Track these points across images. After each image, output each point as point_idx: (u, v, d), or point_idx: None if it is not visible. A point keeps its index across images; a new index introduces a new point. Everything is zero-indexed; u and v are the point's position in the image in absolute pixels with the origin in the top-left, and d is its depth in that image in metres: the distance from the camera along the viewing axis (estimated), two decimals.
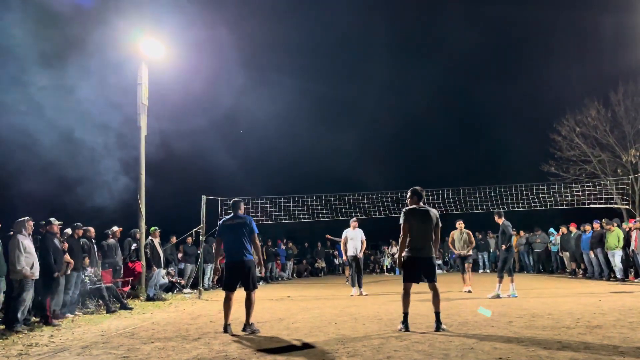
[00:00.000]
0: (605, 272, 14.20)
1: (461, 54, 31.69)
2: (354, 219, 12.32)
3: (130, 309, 9.83)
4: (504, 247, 10.36)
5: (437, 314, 6.23)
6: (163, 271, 12.94)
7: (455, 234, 12.32)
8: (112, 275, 11.28)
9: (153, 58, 13.12)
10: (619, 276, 13.64)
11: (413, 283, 6.43)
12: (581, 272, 15.77)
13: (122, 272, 11.84)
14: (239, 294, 6.77)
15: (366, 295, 11.40)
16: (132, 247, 12.31)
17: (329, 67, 32.61)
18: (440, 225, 6.54)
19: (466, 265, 12.12)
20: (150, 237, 12.27)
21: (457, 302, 9.30)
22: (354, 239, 11.94)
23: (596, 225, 14.54)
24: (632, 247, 12.93)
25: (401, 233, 6.47)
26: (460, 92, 31.22)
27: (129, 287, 11.76)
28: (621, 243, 13.52)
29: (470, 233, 12.36)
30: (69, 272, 8.94)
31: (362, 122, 32.58)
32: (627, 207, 14.51)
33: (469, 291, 11.28)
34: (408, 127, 32.65)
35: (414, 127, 32.77)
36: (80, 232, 9.80)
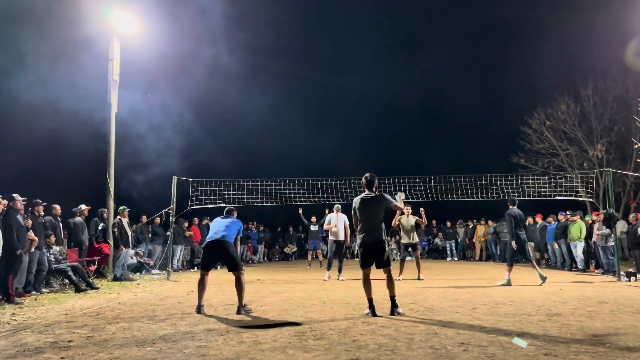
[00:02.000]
0: (567, 263, 14.66)
1: (437, 48, 32.11)
2: (338, 206, 12.38)
3: (97, 288, 9.69)
4: (511, 241, 10.44)
5: (392, 298, 6.36)
6: (131, 251, 12.77)
7: (402, 219, 11.83)
8: (78, 255, 11.07)
9: (125, 32, 12.77)
10: (580, 267, 14.09)
11: (370, 268, 6.51)
12: (544, 262, 16.25)
13: (87, 251, 11.64)
14: (218, 276, 6.74)
15: (343, 280, 11.46)
16: (99, 227, 12.09)
17: (310, 50, 32.38)
18: (390, 202, 6.59)
19: (416, 253, 11.92)
20: (118, 217, 12.07)
21: (424, 289, 9.47)
22: (337, 225, 12.00)
23: (561, 216, 14.97)
24: (594, 239, 13.36)
25: (354, 224, 6.70)
26: (435, 84, 31.44)
27: (95, 267, 11.57)
28: (583, 235, 13.95)
29: (419, 219, 11.86)
30: (32, 249, 8.73)
31: (341, 109, 32.61)
32: (591, 200, 14.93)
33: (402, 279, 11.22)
34: (384, 115, 32.92)
35: (390, 115, 33.08)
36: (41, 209, 9.55)
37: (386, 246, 6.53)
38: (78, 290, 9.26)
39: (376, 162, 28.43)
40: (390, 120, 33.38)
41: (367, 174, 6.73)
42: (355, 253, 22.95)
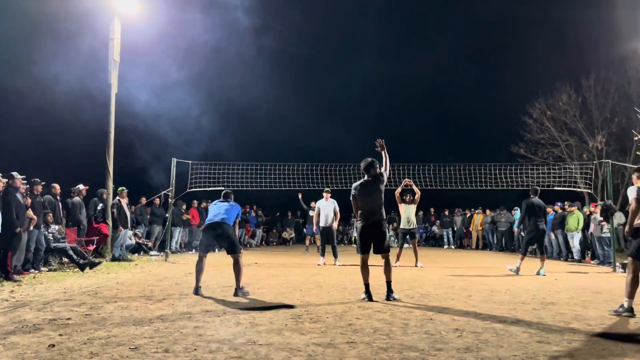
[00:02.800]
0: (564, 253, 14.75)
1: (441, 39, 31.96)
2: (327, 189, 12.37)
3: (99, 263, 9.76)
4: (517, 229, 10.34)
5: (389, 283, 6.40)
6: (130, 232, 12.82)
7: (402, 206, 11.82)
8: (77, 234, 11.11)
9: (126, 12, 12.66)
10: (576, 257, 14.18)
11: (368, 254, 6.53)
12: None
13: (86, 231, 11.67)
14: (216, 259, 6.79)
15: (340, 265, 11.50)
16: (98, 208, 12.11)
17: (316, 35, 32.09)
18: (385, 179, 6.62)
19: (414, 240, 11.93)
20: (117, 197, 12.09)
21: (421, 276, 9.53)
22: (326, 210, 12.01)
23: (558, 207, 15.02)
24: (591, 230, 13.42)
25: (353, 210, 6.70)
26: (438, 73, 31.31)
27: (94, 247, 11.62)
28: (581, 225, 14.02)
29: (414, 186, 11.72)
30: (31, 228, 8.76)
31: (344, 95, 32.48)
32: (590, 191, 14.96)
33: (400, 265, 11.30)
34: (387, 103, 32.84)
35: (393, 103, 33.01)
36: (39, 188, 9.55)
37: (387, 232, 6.55)
38: (82, 268, 9.29)
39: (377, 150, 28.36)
40: (392, 107, 33.37)
41: (367, 158, 6.71)
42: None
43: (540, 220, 10.44)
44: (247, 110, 27.24)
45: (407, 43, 34.89)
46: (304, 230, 23.86)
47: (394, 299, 6.27)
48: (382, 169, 6.73)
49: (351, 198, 6.67)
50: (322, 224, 11.99)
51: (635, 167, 6.19)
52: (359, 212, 6.59)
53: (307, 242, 17.89)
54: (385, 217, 6.59)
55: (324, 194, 12.24)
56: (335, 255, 11.91)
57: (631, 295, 5.52)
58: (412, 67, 31.91)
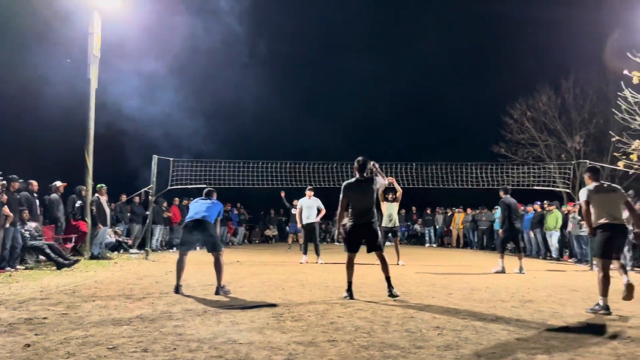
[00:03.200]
0: (543, 251, 14.98)
1: (424, 40, 32.29)
2: (310, 188, 12.35)
3: (77, 261, 9.59)
4: (500, 229, 10.48)
5: (388, 278, 6.36)
6: (109, 230, 12.64)
7: (385, 204, 11.89)
8: (54, 232, 10.92)
9: (106, 7, 12.46)
10: (554, 255, 14.42)
11: (355, 253, 6.51)
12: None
13: (63, 228, 11.47)
14: (197, 257, 6.73)
15: (323, 263, 11.50)
16: (77, 205, 11.91)
17: (300, 33, 32.03)
18: (381, 185, 6.65)
19: (395, 239, 12.00)
20: (96, 194, 11.91)
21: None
22: (309, 208, 11.99)
23: (537, 206, 15.24)
24: (569, 228, 13.65)
25: (339, 203, 6.55)
26: (421, 74, 31.53)
27: (72, 244, 11.44)
28: (559, 224, 14.25)
29: (395, 185, 11.58)
30: (7, 225, 8.58)
31: (328, 94, 32.49)
32: (568, 190, 15.24)
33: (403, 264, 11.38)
34: (369, 102, 32.95)
35: (375, 103, 33.12)
36: (17, 185, 9.36)
37: (378, 230, 6.52)
38: (60, 266, 9.12)
39: (359, 148, 28.30)
40: (375, 107, 33.45)
41: (360, 158, 6.61)
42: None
43: (516, 219, 10.59)
44: (230, 107, 27.04)
45: (391, 43, 35.14)
46: (287, 228, 23.88)
47: (395, 295, 6.23)
48: (381, 184, 6.72)
49: (341, 195, 6.52)
50: (304, 221, 11.97)
51: (587, 167, 6.34)
52: (350, 210, 6.50)
53: (290, 240, 17.87)
54: (376, 217, 6.54)
55: (307, 192, 12.22)
56: (317, 253, 11.91)
57: (605, 293, 5.63)
58: (396, 67, 32.16)
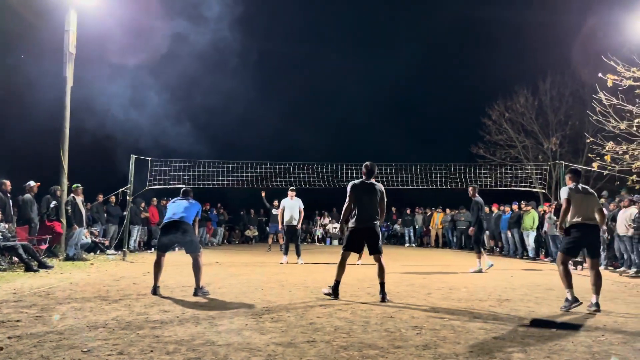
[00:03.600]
0: (520, 251, 15.21)
1: (403, 42, 32.58)
2: (292, 188, 12.29)
3: (50, 267, 9.38)
4: (471, 228, 10.56)
5: (382, 284, 6.35)
6: (85, 230, 12.42)
7: None
8: (28, 233, 10.67)
9: (83, 4, 12.24)
10: (531, 255, 14.65)
11: (351, 252, 6.52)
12: (498, 249, 16.81)
13: (37, 229, 11.23)
14: (176, 258, 6.65)
15: (303, 264, 11.46)
16: (51, 205, 11.67)
17: (280, 33, 31.96)
18: (385, 199, 6.66)
19: None
20: (72, 195, 11.68)
21: None
22: (291, 209, 11.94)
23: (515, 206, 15.48)
24: (545, 228, 13.88)
25: (346, 201, 6.56)
26: (400, 75, 31.76)
27: (46, 245, 11.20)
28: (536, 224, 14.49)
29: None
30: None
31: (308, 95, 32.47)
32: (544, 191, 15.50)
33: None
34: (347, 103, 33.06)
35: (355, 104, 33.27)
36: None
37: (380, 233, 6.54)
38: (28, 269, 8.93)
39: (339, 149, 28.55)
40: (354, 108, 33.56)
41: (367, 163, 6.74)
42: (316, 237, 23.11)
43: (484, 218, 10.77)
44: (208, 107, 26.82)
45: (370, 45, 35.31)
46: (267, 228, 23.78)
47: (388, 301, 6.21)
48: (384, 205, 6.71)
49: (348, 192, 6.54)
50: (287, 222, 11.93)
51: (569, 168, 6.50)
52: (354, 212, 6.48)
53: (270, 240, 17.79)
54: (377, 222, 6.55)
55: (289, 193, 12.16)
56: (298, 254, 11.90)
57: (569, 285, 5.78)
58: (375, 69, 32.37)
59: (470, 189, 10.81)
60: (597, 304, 5.69)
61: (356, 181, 6.70)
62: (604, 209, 6.29)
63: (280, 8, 29.27)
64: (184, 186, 7.64)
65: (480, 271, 10.21)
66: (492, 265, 10.48)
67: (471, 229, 10.59)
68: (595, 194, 6.36)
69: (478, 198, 10.62)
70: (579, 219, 5.92)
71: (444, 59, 32.58)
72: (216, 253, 15.30)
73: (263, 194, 15.86)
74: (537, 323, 4.95)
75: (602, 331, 4.70)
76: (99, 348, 3.80)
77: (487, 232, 17.30)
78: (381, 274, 6.41)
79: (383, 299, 6.23)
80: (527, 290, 7.56)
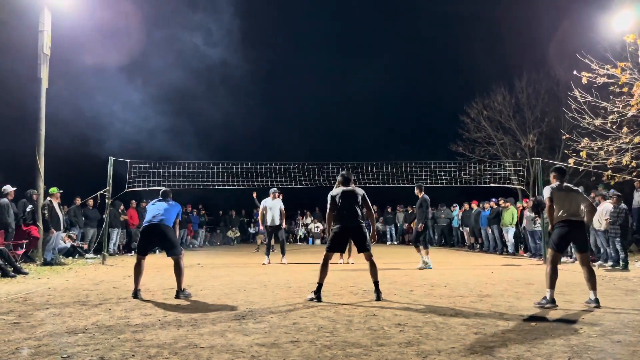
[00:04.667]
0: (499, 247, 15.42)
1: (381, 42, 32.76)
2: (274, 189, 12.23)
3: (25, 273, 9.18)
4: (420, 224, 10.63)
5: (376, 283, 6.37)
6: (63, 234, 12.19)
7: None
8: (4, 238, 10.44)
9: (57, 3, 12.01)
10: (510, 250, 14.87)
11: (334, 253, 6.50)
12: (478, 246, 17.02)
13: (13, 234, 10.99)
14: (157, 260, 6.57)
15: (286, 263, 11.44)
16: (27, 209, 11.43)
17: (257, 30, 31.80)
18: (367, 200, 6.68)
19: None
20: (49, 198, 11.46)
21: (364, 272, 9.64)
22: (272, 209, 11.89)
23: (493, 203, 15.70)
24: (524, 224, 14.10)
25: (328, 209, 6.61)
26: (380, 75, 31.88)
27: (23, 250, 10.97)
28: (515, 220, 14.71)
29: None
30: None
31: (289, 93, 32.38)
32: (522, 187, 15.74)
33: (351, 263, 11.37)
34: (328, 103, 33.10)
35: (334, 103, 33.32)
36: None
37: (366, 232, 6.53)
38: (4, 275, 8.73)
39: (320, 148, 28.50)
40: (334, 108, 33.60)
41: (343, 172, 6.88)
42: (298, 237, 23.09)
43: (430, 214, 10.97)
44: (187, 107, 26.61)
45: (349, 44, 35.43)
46: (249, 229, 23.67)
47: (383, 300, 6.22)
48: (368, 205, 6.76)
49: (329, 201, 6.58)
50: (269, 223, 11.88)
51: (554, 167, 6.57)
52: (337, 214, 6.50)
53: (259, 241, 17.78)
54: (364, 221, 6.58)
55: (271, 193, 12.09)
56: (283, 252, 11.90)
57: (552, 285, 5.82)
58: (354, 68, 32.42)
59: (416, 189, 10.93)
60: (596, 300, 5.73)
61: (334, 191, 6.73)
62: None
63: (261, 15, 29.21)
64: (163, 188, 7.53)
65: (428, 266, 10.37)
66: (430, 267, 10.44)
67: (420, 225, 10.65)
68: (581, 191, 6.38)
69: (424, 195, 10.75)
70: (564, 216, 6.00)
71: (421, 58, 32.80)
72: (198, 255, 15.17)
73: (254, 195, 15.76)
74: (530, 319, 4.99)
75: (580, 324, 4.79)
76: (78, 354, 3.74)
77: (467, 229, 17.61)
78: (374, 272, 6.43)
79: (378, 298, 6.23)
80: (508, 285, 7.67)
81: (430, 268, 10.37)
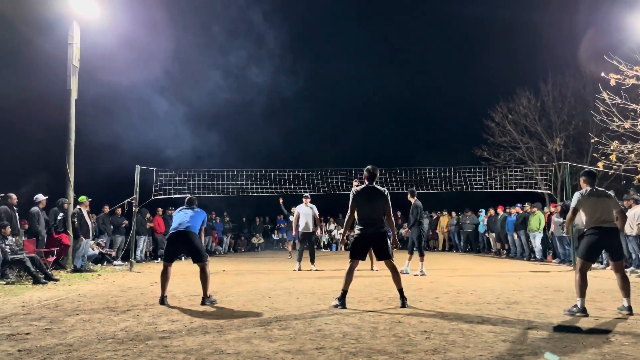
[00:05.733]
0: (527, 253, 15.14)
1: (408, 46, 32.71)
2: (307, 195, 12.26)
3: (56, 280, 9.41)
4: (406, 228, 10.52)
5: (400, 290, 6.26)
6: (92, 242, 12.46)
7: None
8: (35, 245, 10.72)
9: (86, 17, 12.35)
10: (538, 257, 14.58)
11: (358, 261, 6.40)
12: (505, 252, 16.73)
13: (45, 242, 11.28)
14: (182, 267, 6.67)
15: (316, 270, 11.41)
16: (59, 217, 11.73)
17: (285, 38, 32.13)
18: (389, 203, 6.49)
19: None
20: (78, 207, 11.74)
21: (388, 279, 9.57)
22: (306, 215, 11.90)
23: (519, 208, 15.44)
24: (552, 229, 13.82)
25: (348, 211, 6.50)
26: (404, 80, 31.83)
27: (54, 258, 11.25)
28: (542, 226, 14.43)
29: None
30: None
31: (309, 100, 32.55)
32: (550, 192, 15.43)
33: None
34: (351, 110, 33.17)
35: (357, 109, 33.35)
36: None
37: (388, 239, 6.42)
38: (36, 281, 8.97)
39: (343, 155, 28.53)
40: (358, 113, 33.62)
41: (369, 167, 6.61)
42: (322, 244, 23.08)
43: (422, 220, 10.79)
44: (212, 116, 26.95)
45: (372, 49, 35.42)
46: (273, 236, 23.77)
47: (408, 306, 6.14)
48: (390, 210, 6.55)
49: (350, 201, 6.46)
50: (302, 229, 11.89)
51: (584, 170, 6.41)
52: (358, 219, 6.39)
53: (290, 247, 17.90)
54: (385, 227, 6.41)
55: (304, 199, 12.13)
56: (312, 260, 11.80)
57: (582, 294, 5.65)
58: (378, 73, 32.38)
59: (408, 194, 10.80)
60: (629, 307, 5.58)
61: (358, 187, 6.61)
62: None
63: (284, 23, 29.52)
64: (188, 195, 7.64)
65: (424, 274, 10.21)
66: (424, 274, 10.24)
67: (407, 230, 10.54)
68: (613, 195, 6.18)
69: (416, 201, 10.60)
70: (594, 223, 5.80)
71: (444, 62, 32.60)
72: (223, 261, 15.31)
73: (281, 201, 15.81)
74: (560, 329, 4.85)
75: (612, 332, 4.67)
76: (108, 359, 3.81)
77: (492, 235, 17.32)
78: (397, 279, 6.31)
79: (403, 305, 6.14)
80: (536, 292, 7.52)
81: (407, 273, 10.28)
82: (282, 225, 22.16)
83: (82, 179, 12.83)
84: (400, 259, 12.18)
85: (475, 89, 28.05)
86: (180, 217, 6.88)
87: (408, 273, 10.28)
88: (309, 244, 11.98)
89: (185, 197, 7.40)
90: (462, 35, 31.76)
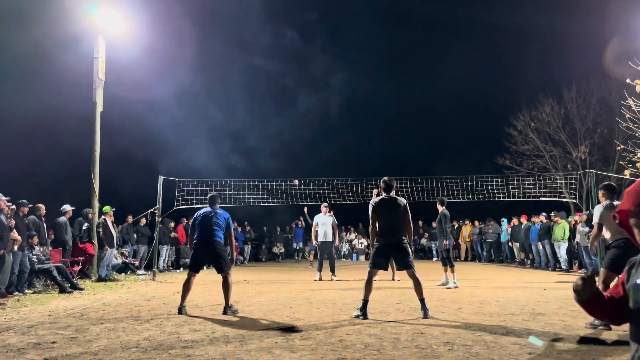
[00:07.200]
0: (552, 263, 14.84)
1: (428, 54, 32.66)
2: (325, 204, 12.25)
3: (81, 289, 9.57)
4: (445, 241, 10.16)
5: (422, 301, 6.20)
6: (116, 251, 12.65)
7: None
8: (62, 255, 10.94)
9: (111, 31, 12.66)
10: (563, 267, 14.28)
11: (379, 270, 6.42)
12: (529, 262, 16.44)
13: (71, 251, 11.50)
14: (204, 277, 6.73)
15: (337, 280, 11.38)
16: (84, 227, 11.96)
17: (300, 47, 32.41)
18: (409, 212, 6.51)
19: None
20: (103, 217, 11.95)
21: (410, 289, 9.49)
22: (325, 224, 11.90)
23: (543, 217, 15.17)
24: (577, 239, 13.53)
25: (370, 223, 6.53)
26: (425, 88, 31.75)
27: (79, 267, 11.45)
28: (567, 235, 14.14)
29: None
30: (15, 249, 8.61)
31: (331, 109, 32.71)
32: (575, 201, 15.16)
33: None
34: (374, 120, 33.22)
35: (377, 118, 33.36)
36: (26, 209, 9.42)
37: (409, 249, 6.40)
38: (62, 290, 9.15)
39: (366, 164, 28.59)
40: (378, 123, 33.65)
41: (385, 178, 6.67)
42: (342, 253, 23.01)
43: (450, 230, 10.52)
44: (235, 127, 27.26)
45: (395, 58, 35.44)
46: (294, 244, 23.81)
47: (430, 317, 6.09)
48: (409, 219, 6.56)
49: (370, 212, 6.51)
50: (321, 238, 11.88)
51: (603, 184, 6.27)
52: (379, 229, 6.41)
53: (311, 256, 17.92)
54: (405, 237, 6.42)
55: (323, 209, 12.12)
56: (332, 270, 11.75)
57: None
58: (399, 83, 32.35)
59: (437, 203, 10.49)
60: None
61: (376, 199, 6.66)
62: None
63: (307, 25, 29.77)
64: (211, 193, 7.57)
65: (447, 284, 9.84)
66: (457, 286, 9.76)
67: (445, 242, 10.12)
68: None
69: (443, 210, 10.27)
70: (621, 234, 5.65)
71: (466, 70, 32.41)
72: (243, 271, 15.37)
73: (305, 210, 15.86)
74: (586, 341, 4.75)
75: None
76: None
77: (516, 245, 17.07)
78: (418, 289, 6.25)
79: (425, 316, 6.07)
80: (562, 303, 7.36)
81: (450, 287, 9.70)
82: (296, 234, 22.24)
83: (107, 189, 13.07)
84: (427, 269, 12.05)
85: (497, 97, 27.85)
86: (205, 224, 6.88)
87: (457, 286, 9.70)
88: (328, 254, 11.93)
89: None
90: (484, 43, 31.60)
